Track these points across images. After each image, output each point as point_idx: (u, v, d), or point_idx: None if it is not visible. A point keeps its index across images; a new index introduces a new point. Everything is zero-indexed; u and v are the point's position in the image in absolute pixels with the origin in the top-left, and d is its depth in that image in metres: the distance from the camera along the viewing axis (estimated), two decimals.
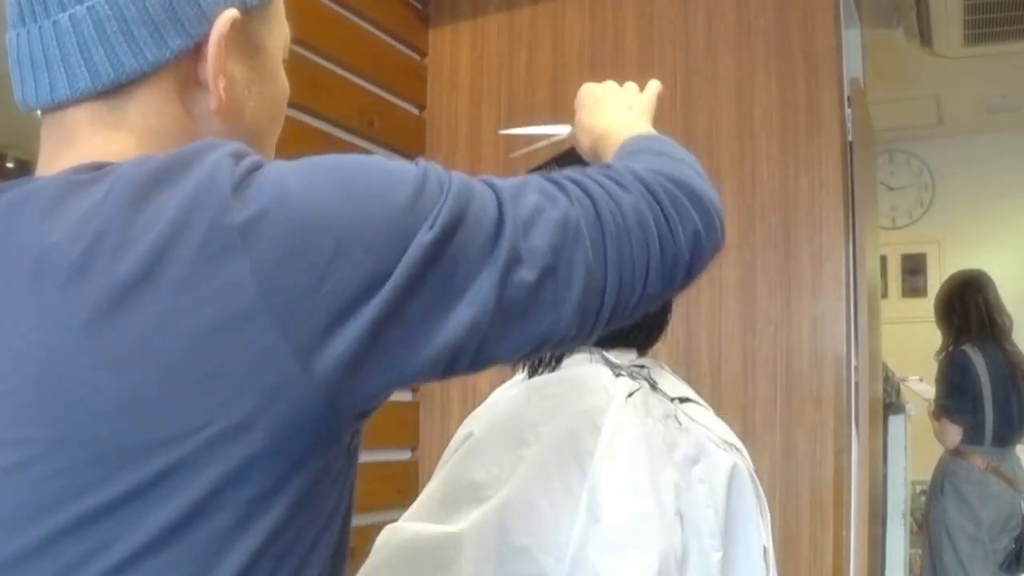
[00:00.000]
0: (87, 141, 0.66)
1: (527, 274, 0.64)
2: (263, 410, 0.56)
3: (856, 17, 2.66)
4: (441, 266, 0.61)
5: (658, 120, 0.98)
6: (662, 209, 0.72)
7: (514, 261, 0.64)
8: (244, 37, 0.70)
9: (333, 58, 2.31)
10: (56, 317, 0.56)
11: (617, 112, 0.97)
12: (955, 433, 3.47)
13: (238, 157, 0.61)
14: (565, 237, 0.66)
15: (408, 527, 0.99)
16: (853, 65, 2.53)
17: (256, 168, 0.60)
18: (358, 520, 0.72)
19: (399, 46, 2.63)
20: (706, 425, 1.02)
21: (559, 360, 1.07)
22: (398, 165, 0.64)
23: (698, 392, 1.10)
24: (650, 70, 2.43)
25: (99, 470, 0.55)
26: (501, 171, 2.62)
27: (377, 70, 2.50)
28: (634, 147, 0.85)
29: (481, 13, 2.69)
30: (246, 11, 0.69)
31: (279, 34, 0.75)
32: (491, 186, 0.67)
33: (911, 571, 3.91)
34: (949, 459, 3.51)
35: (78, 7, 0.64)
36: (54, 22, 0.64)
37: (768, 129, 2.30)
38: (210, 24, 0.67)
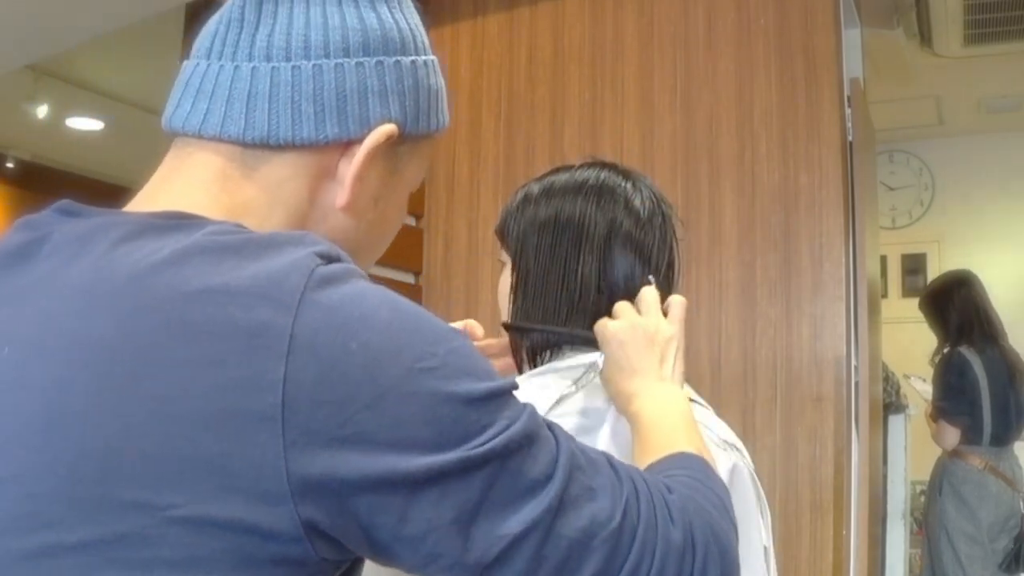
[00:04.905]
0: (208, 185, 0.66)
1: (541, 549, 0.60)
2: (239, 512, 0.54)
3: (856, 17, 2.66)
4: (462, 487, 0.57)
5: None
6: (693, 562, 0.68)
7: (537, 527, 0.60)
8: (391, 155, 0.72)
9: None
10: (86, 342, 0.56)
11: (648, 375, 0.93)
12: (952, 435, 3.45)
13: (326, 259, 0.59)
14: (589, 543, 0.62)
15: None
16: (853, 65, 2.53)
17: (337, 280, 0.58)
18: None
19: None
20: (706, 425, 1.02)
21: (553, 356, 1.07)
22: (483, 362, 0.62)
23: (698, 392, 1.10)
24: (650, 70, 2.43)
25: (69, 509, 0.54)
26: (500, 169, 2.63)
27: None
28: (679, 475, 0.78)
29: (481, 13, 2.69)
30: (405, 134, 0.71)
31: (418, 169, 0.77)
32: (557, 443, 0.64)
33: (911, 571, 3.91)
34: (947, 459, 3.49)
35: (264, 64, 0.66)
36: (236, 67, 0.67)
37: (768, 129, 2.30)
38: (368, 129, 0.68)
